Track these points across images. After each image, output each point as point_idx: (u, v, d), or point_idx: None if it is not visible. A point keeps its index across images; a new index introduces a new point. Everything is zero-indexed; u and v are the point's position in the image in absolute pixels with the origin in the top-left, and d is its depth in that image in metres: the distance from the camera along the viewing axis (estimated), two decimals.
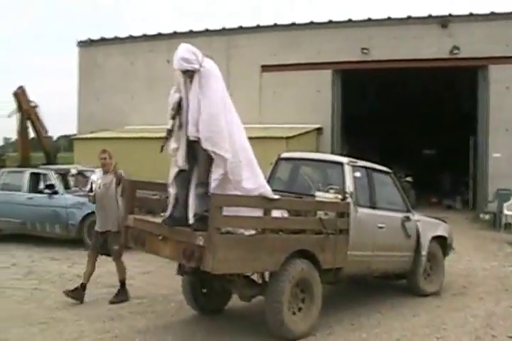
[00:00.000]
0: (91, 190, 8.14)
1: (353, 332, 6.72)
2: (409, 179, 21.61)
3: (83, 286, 7.80)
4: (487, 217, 17.75)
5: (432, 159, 28.93)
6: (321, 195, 7.25)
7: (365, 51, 19.92)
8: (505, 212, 15.91)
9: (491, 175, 18.86)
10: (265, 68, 21.16)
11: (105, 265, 9.73)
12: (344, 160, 7.69)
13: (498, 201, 16.92)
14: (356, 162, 7.77)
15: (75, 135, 24.70)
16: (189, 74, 5.72)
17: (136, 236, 6.55)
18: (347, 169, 7.51)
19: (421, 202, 19.95)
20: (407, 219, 8.36)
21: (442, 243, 9.15)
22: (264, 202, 6.01)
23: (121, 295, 7.92)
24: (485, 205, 18.54)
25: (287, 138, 17.26)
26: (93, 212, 11.82)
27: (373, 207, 7.76)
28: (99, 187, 7.98)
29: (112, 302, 7.73)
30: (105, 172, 8.06)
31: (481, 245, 13.80)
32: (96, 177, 8.18)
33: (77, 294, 7.72)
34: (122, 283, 8.03)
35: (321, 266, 6.64)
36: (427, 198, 22.54)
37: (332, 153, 17.81)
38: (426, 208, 18.04)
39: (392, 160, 18.72)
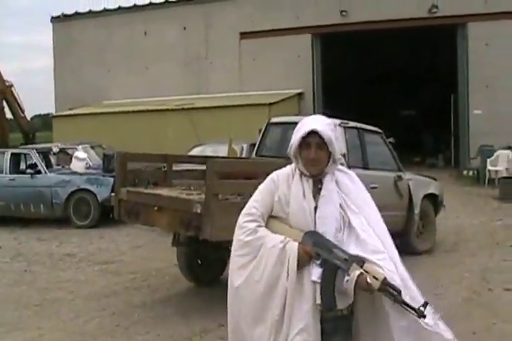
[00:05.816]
0: None
1: None
2: (391, 140, 21.43)
3: None
4: (471, 173, 17.86)
5: (412, 119, 28.77)
6: None
7: (344, 14, 19.63)
8: (489, 167, 16.10)
9: (472, 132, 18.87)
10: (244, 35, 20.83)
11: (96, 242, 9.58)
12: (335, 121, 7.50)
13: (482, 157, 16.95)
14: (348, 123, 7.64)
15: (50, 114, 24.22)
16: None
17: (129, 209, 6.33)
18: (339, 130, 7.36)
19: (404, 162, 19.72)
20: (399, 178, 8.29)
21: (434, 201, 9.09)
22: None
23: None
24: (468, 162, 18.58)
25: (270, 104, 17.03)
26: (78, 190, 11.76)
27: (366, 168, 7.65)
28: None
29: None
30: None
31: (468, 201, 13.82)
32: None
33: None
34: None
35: None
36: (410, 158, 22.43)
37: None
38: (409, 168, 17.93)
39: (371, 122, 18.57)
